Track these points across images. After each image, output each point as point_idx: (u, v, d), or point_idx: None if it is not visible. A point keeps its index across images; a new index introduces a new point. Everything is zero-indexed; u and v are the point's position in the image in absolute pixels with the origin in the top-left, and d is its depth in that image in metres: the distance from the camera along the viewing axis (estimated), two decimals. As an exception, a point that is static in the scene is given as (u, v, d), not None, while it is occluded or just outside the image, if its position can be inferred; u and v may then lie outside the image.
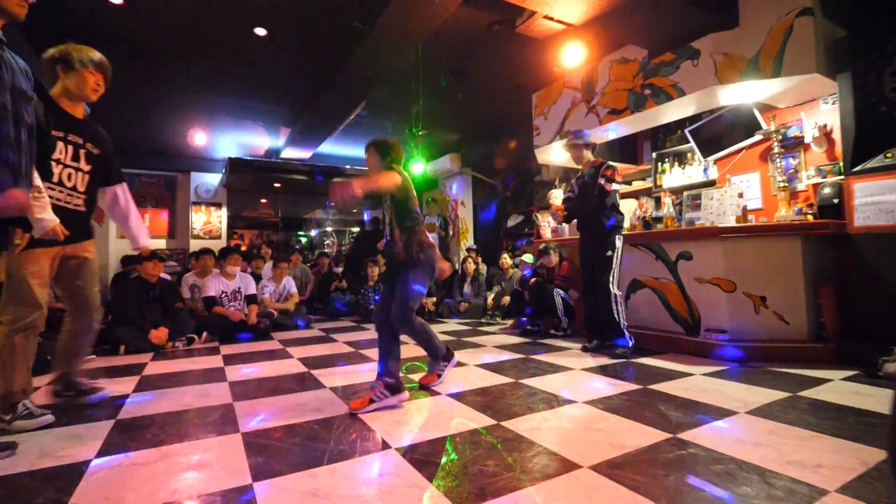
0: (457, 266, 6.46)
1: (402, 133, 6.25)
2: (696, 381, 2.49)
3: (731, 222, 3.21)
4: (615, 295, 3.25)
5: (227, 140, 6.97)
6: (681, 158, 4.57)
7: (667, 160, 4.67)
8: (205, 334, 4.11)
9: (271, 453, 1.63)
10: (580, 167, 3.58)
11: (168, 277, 4.61)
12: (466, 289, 5.76)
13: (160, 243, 7.83)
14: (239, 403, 2.23)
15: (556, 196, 5.39)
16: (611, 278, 3.25)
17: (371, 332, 4.55)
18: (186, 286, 4.64)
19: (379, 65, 4.18)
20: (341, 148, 7.49)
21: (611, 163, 3.39)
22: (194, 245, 7.62)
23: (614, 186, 3.30)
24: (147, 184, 7.87)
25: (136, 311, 3.75)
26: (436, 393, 2.35)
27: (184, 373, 2.95)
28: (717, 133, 4.02)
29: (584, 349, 3.38)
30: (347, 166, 8.00)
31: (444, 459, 1.54)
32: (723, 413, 1.95)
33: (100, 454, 1.65)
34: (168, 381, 2.71)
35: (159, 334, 3.71)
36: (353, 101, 5.09)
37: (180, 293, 4.51)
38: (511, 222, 7.50)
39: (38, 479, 1.46)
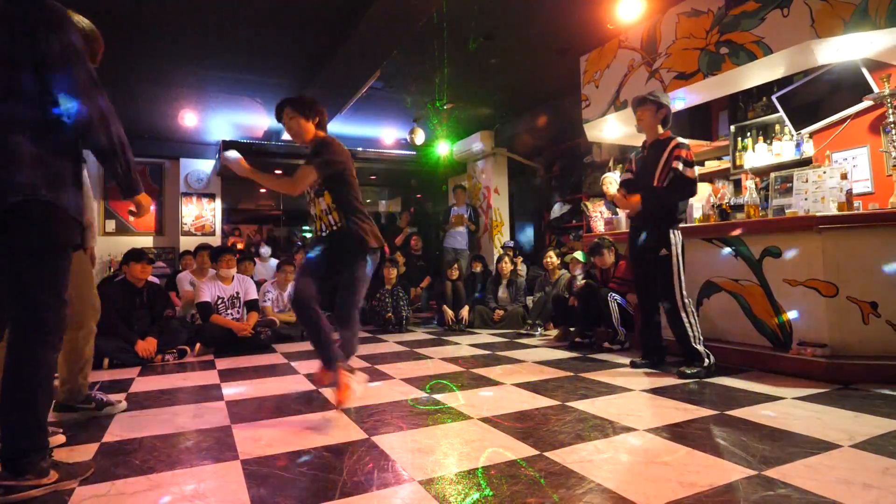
0: (490, 266, 6.46)
1: (423, 108, 6.29)
2: (788, 407, 2.41)
3: (831, 210, 3.09)
4: (684, 304, 3.13)
5: (220, 120, 7.18)
6: (766, 132, 4.44)
7: (749, 134, 4.55)
8: (198, 346, 4.26)
9: (275, 484, 1.67)
10: (644, 139, 3.39)
11: (157, 281, 4.80)
12: (502, 293, 5.75)
13: (147, 241, 8.15)
14: (237, 426, 2.30)
15: (611, 181, 5.33)
16: (675, 285, 3.13)
17: (391, 345, 4.61)
18: (185, 285, 4.86)
19: (395, 26, 4.21)
20: (352, 127, 7.59)
21: (682, 139, 3.20)
22: (185, 243, 7.90)
23: (696, 172, 3.12)
24: (132, 173, 8.18)
25: (122, 319, 3.92)
26: (466, 417, 2.37)
27: (175, 390, 3.07)
28: (814, 99, 3.88)
29: (633, 365, 3.35)
30: (360, 148, 8.10)
31: (476, 495, 1.55)
32: (822, 446, 1.88)
33: (83, 481, 1.73)
34: (158, 400, 2.83)
35: (147, 346, 3.86)
36: (365, 70, 5.15)
37: (171, 299, 4.68)
38: (555, 213, 7.43)
39: (19, 507, 1.55)
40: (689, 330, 3.10)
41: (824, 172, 3.26)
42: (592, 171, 6.79)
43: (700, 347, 3.10)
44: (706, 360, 3.07)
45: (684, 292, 3.15)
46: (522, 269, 6.35)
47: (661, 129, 3.29)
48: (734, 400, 2.54)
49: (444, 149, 6.69)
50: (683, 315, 3.12)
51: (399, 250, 7.25)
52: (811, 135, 4.00)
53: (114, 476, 1.77)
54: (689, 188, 3.13)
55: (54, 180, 1.60)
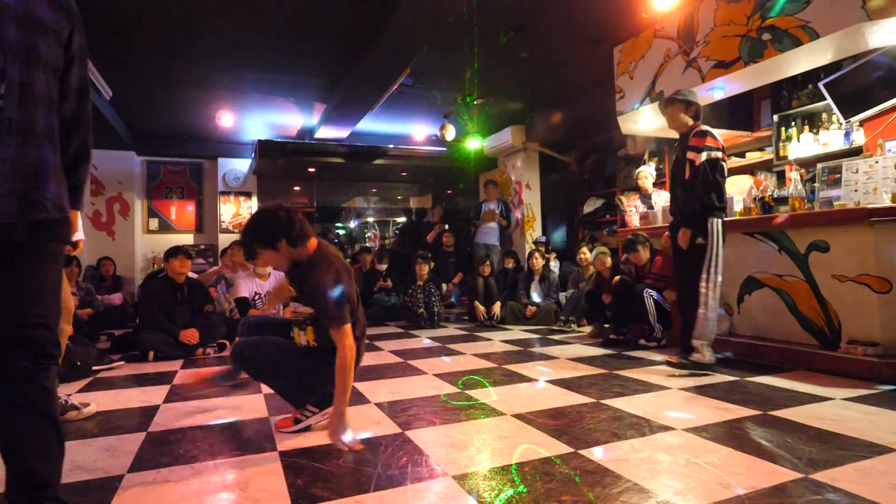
0: (522, 262, 6.41)
1: (453, 103, 6.27)
2: (836, 408, 2.32)
3: (885, 202, 2.95)
4: (704, 296, 3.04)
5: (255, 120, 7.34)
6: (812, 121, 4.26)
7: (793, 124, 4.37)
8: (237, 339, 4.37)
9: (312, 476, 1.71)
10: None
11: (196, 277, 4.96)
12: (534, 289, 5.71)
13: (187, 238, 8.42)
14: (276, 418, 2.36)
15: (646, 174, 5.21)
16: (704, 270, 3.04)
17: (423, 341, 4.64)
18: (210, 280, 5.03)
19: (425, 22, 4.21)
20: (383, 124, 7.64)
21: (704, 127, 3.18)
22: (223, 240, 8.13)
23: (703, 157, 3.07)
24: (172, 172, 8.47)
25: (165, 314, 4.07)
26: (499, 413, 2.36)
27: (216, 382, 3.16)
28: (864, 85, 3.69)
29: (669, 364, 3.21)
30: (391, 145, 8.15)
31: (510, 492, 1.55)
32: (874, 450, 1.80)
33: (132, 469, 1.81)
34: (200, 392, 2.92)
35: (190, 334, 3.98)
36: (395, 67, 5.17)
37: (210, 294, 4.84)
38: (588, 208, 7.32)
39: (72, 492, 1.63)
40: (695, 321, 3.05)
41: (876, 162, 3.11)
42: (627, 164, 6.64)
43: (696, 342, 3.04)
44: (696, 355, 3.02)
45: (712, 283, 3.04)
46: (554, 264, 6.29)
47: (690, 122, 3.28)
48: (778, 400, 2.46)
49: (474, 144, 6.65)
50: (702, 307, 3.03)
51: (430, 247, 7.27)
52: (861, 123, 3.81)
53: (160, 464, 1.85)
54: (700, 176, 3.05)
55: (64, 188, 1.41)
